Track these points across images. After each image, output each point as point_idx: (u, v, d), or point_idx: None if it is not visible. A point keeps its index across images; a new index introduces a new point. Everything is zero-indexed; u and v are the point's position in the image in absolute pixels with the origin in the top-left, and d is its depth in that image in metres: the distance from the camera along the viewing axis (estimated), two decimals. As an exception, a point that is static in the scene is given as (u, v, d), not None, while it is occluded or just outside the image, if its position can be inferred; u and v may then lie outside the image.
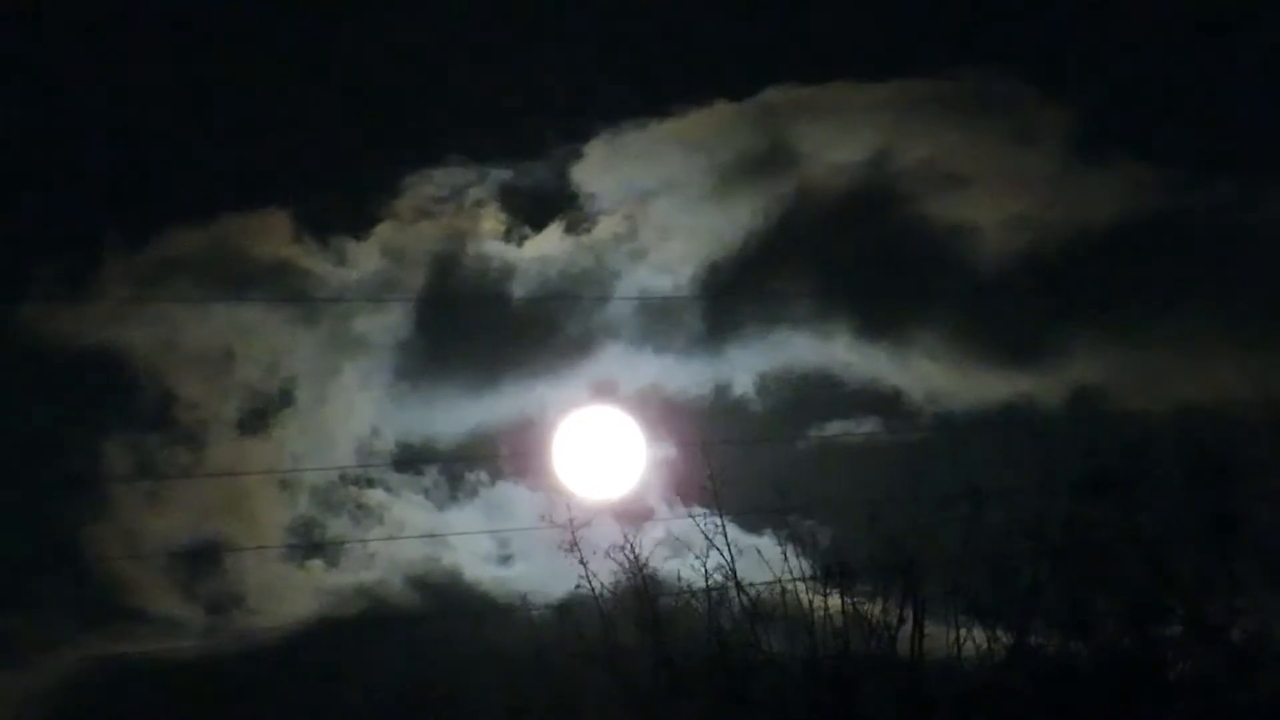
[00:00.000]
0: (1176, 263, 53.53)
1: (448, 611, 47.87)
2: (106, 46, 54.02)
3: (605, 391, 51.66)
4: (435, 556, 49.39)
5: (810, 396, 52.62)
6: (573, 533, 42.74)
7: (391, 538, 50.50)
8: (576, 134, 55.08)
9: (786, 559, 43.19)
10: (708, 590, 42.83)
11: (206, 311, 51.50)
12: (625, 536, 42.68)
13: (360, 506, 51.17)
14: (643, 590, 42.64)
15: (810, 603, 42.71)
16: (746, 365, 52.94)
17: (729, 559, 43.06)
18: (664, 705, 41.93)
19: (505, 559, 49.46)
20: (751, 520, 44.32)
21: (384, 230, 54.12)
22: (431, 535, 50.33)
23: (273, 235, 53.31)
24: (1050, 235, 54.35)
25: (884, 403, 52.29)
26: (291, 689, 44.42)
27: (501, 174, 55.04)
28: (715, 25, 56.75)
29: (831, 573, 42.66)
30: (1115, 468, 43.06)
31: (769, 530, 43.95)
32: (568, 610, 42.65)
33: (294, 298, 52.66)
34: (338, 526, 51.09)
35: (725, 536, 43.13)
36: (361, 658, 44.77)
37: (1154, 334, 52.90)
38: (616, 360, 52.60)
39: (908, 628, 42.42)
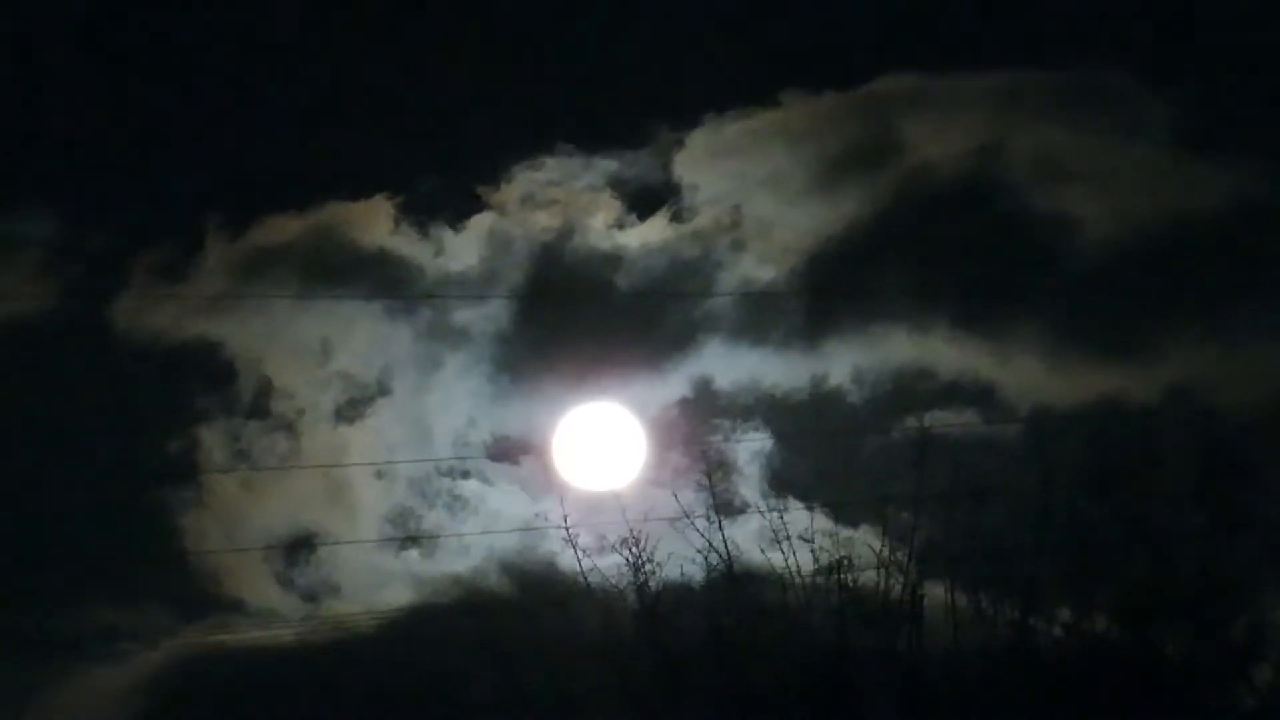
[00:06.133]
0: (1281, 259, 52.99)
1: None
2: (210, 34, 54.93)
3: (701, 385, 52.03)
4: (531, 545, 49.57)
5: (905, 389, 52.62)
6: (567, 529, 43.75)
7: (401, 537, 50.93)
8: (681, 123, 55.21)
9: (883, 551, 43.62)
10: (708, 584, 43.23)
11: (304, 301, 52.18)
12: (630, 531, 43.32)
13: (456, 497, 51.59)
14: (644, 586, 43.13)
15: (810, 598, 43.07)
16: (844, 358, 52.98)
17: (724, 554, 43.55)
18: (663, 701, 42.35)
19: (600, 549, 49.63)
20: (848, 512, 44.81)
21: (486, 220, 54.54)
22: (426, 536, 50.82)
23: (375, 223, 53.83)
24: (1155, 229, 53.97)
25: (978, 396, 52.17)
26: (387, 678, 45.00)
27: (606, 164, 55.19)
28: (828, 14, 56.62)
29: (831, 567, 43.00)
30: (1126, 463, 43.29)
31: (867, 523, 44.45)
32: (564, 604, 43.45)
33: (392, 290, 53.20)
34: (433, 517, 51.56)
35: (723, 533, 43.69)
36: (458, 647, 45.16)
37: (1258, 331, 52.31)
38: (714, 353, 52.85)
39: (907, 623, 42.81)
